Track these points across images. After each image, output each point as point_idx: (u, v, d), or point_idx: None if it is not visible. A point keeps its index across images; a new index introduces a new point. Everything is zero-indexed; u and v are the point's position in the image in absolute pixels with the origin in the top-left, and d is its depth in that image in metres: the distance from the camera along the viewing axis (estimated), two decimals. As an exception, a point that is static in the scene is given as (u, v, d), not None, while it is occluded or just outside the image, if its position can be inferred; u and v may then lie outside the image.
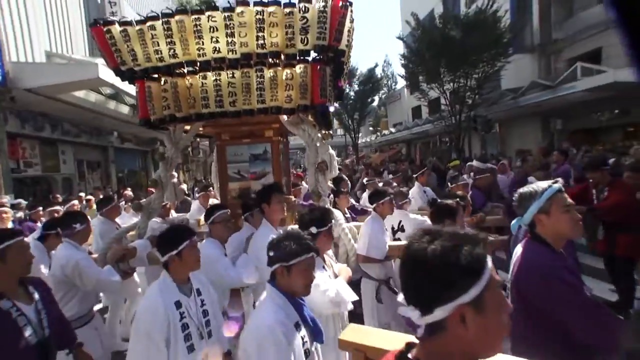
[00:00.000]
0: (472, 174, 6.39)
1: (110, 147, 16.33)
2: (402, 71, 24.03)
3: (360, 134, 35.37)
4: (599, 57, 16.16)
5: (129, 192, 10.55)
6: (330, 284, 2.50)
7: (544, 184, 2.09)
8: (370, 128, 43.96)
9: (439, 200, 3.09)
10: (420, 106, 27.44)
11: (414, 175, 5.95)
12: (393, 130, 33.02)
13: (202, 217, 5.06)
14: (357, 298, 2.65)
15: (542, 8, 19.47)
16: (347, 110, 30.38)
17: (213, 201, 6.11)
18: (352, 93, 29.95)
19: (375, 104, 37.91)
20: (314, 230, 2.63)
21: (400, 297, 1.08)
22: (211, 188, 6.16)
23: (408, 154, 32.21)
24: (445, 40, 18.46)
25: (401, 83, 31.46)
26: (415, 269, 1.05)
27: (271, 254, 2.00)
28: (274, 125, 4.23)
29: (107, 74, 9.14)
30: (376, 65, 32.47)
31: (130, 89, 10.71)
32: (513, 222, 2.24)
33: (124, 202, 7.74)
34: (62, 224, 3.47)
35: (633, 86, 13.06)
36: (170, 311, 2.20)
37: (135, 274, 4.37)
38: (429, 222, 4.20)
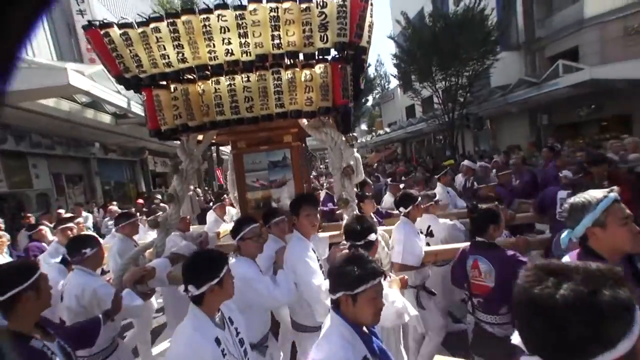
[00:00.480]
0: (494, 171, 6.13)
1: (92, 158, 14.76)
2: (395, 71, 23.86)
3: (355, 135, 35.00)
4: (576, 54, 16.56)
5: (114, 206, 9.53)
6: (395, 294, 2.21)
7: (598, 194, 1.83)
8: (366, 128, 43.65)
9: (479, 206, 2.78)
10: (414, 105, 27.27)
11: (436, 176, 5.65)
12: (388, 130, 32.77)
13: (220, 230, 4.73)
14: (417, 313, 2.34)
15: (525, 6, 19.55)
16: (342, 111, 29.97)
17: (229, 210, 5.76)
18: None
19: (369, 104, 37.61)
20: (372, 237, 2.39)
21: (516, 339, 0.93)
22: (225, 196, 5.81)
23: (404, 153, 32.03)
24: (435, 38, 18.30)
25: (394, 83, 31.37)
26: (540, 319, 0.85)
27: (333, 280, 1.67)
28: (292, 130, 3.87)
29: (79, 80, 8.14)
30: (369, 65, 32.17)
31: (110, 96, 10.06)
32: (563, 235, 1.98)
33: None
34: (70, 250, 3.04)
35: (606, 83, 13.60)
36: (214, 352, 1.82)
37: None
38: (459, 225, 3.89)
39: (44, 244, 5.17)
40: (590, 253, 1.83)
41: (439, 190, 5.07)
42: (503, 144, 21.24)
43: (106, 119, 12.26)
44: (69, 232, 4.41)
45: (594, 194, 1.84)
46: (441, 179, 5.46)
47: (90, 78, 8.97)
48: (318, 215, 3.10)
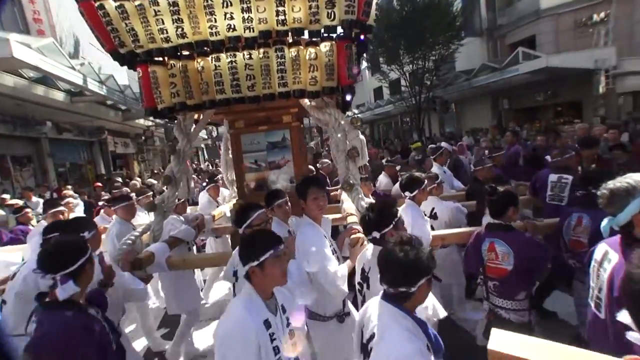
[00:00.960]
0: (486, 152, 6.10)
1: (44, 138, 12.99)
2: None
3: (323, 116, 34.72)
4: (534, 43, 17.43)
5: (69, 191, 8.29)
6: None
7: None
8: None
9: (498, 188, 2.75)
10: (382, 87, 27.29)
11: (432, 157, 5.62)
12: (356, 111, 32.75)
13: (215, 212, 4.54)
14: (446, 314, 2.28)
15: (487, -6, 19.95)
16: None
17: (222, 191, 5.54)
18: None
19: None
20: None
21: (625, 318, 0.95)
22: (218, 177, 5.57)
23: (372, 135, 32.13)
24: (403, 22, 18.32)
25: (362, 64, 31.21)
26: None
27: (395, 274, 1.60)
28: (292, 109, 3.72)
29: (24, 53, 7.23)
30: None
31: (62, 72, 9.04)
32: (604, 223, 1.85)
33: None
34: (67, 233, 2.85)
35: (561, 71, 14.32)
36: (261, 333, 1.74)
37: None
38: (462, 208, 3.84)
39: (30, 226, 4.87)
40: (637, 242, 1.68)
41: (435, 170, 5.04)
42: (467, 127, 21.93)
43: (59, 96, 10.96)
44: (61, 216, 4.12)
45: (638, 178, 1.73)
46: (437, 159, 5.44)
47: (39, 51, 8.12)
48: (326, 198, 2.99)
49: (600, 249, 1.87)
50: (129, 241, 3.24)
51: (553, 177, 4.00)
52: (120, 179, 11.62)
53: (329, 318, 2.72)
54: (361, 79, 34.07)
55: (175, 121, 3.62)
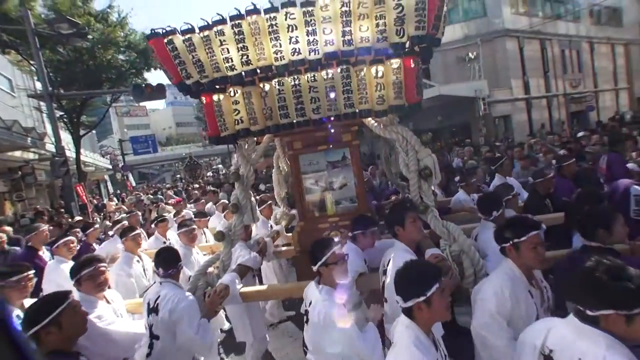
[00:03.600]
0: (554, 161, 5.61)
1: None
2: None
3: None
4: (429, 73, 19.39)
5: None
6: None
7: None
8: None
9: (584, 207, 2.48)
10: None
11: (493, 168, 5.32)
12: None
13: (270, 232, 4.37)
14: None
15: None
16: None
17: (275, 209, 5.36)
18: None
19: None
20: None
21: None
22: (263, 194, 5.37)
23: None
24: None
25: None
26: None
27: (598, 295, 1.44)
28: (352, 128, 3.58)
29: None
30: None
31: None
32: None
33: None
34: (165, 264, 2.75)
35: (451, 98, 17.46)
36: None
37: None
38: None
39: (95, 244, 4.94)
40: None
41: (498, 182, 4.72)
42: (379, 148, 21.98)
43: None
44: (140, 240, 4.13)
45: None
46: (499, 170, 5.00)
47: None
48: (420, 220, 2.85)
49: None
50: (200, 276, 3.10)
51: (636, 190, 3.54)
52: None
53: None
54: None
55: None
